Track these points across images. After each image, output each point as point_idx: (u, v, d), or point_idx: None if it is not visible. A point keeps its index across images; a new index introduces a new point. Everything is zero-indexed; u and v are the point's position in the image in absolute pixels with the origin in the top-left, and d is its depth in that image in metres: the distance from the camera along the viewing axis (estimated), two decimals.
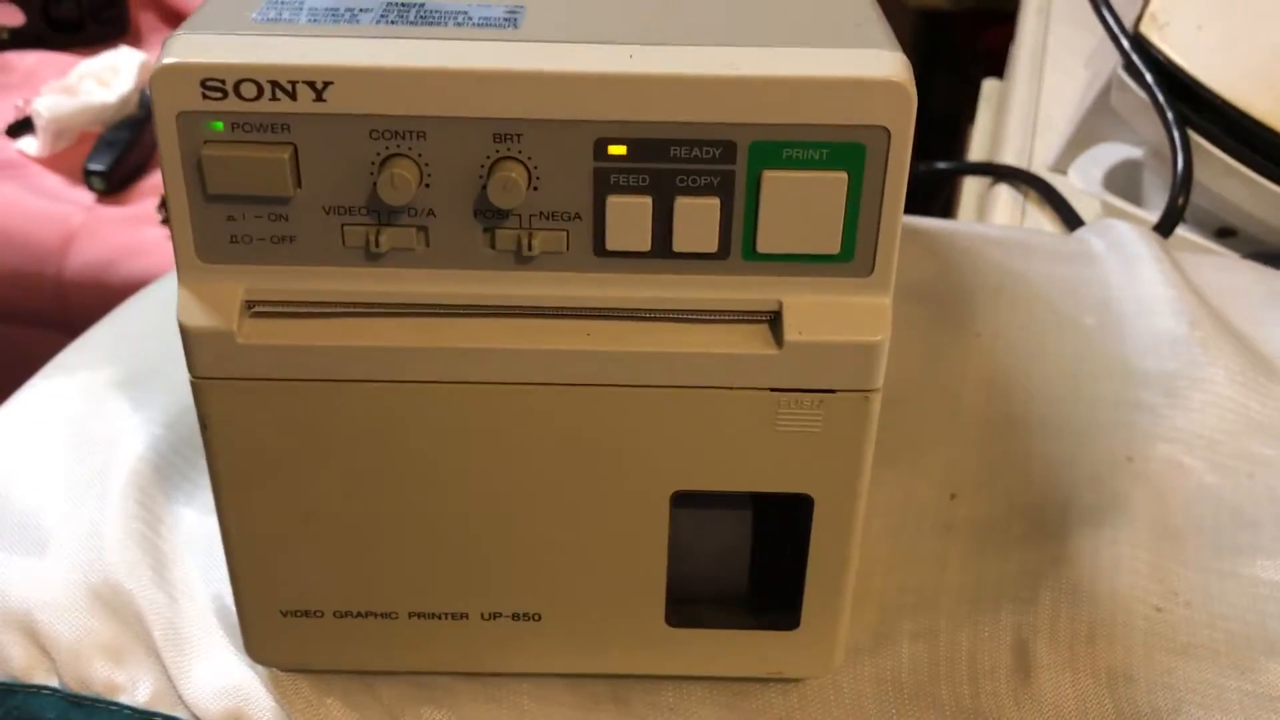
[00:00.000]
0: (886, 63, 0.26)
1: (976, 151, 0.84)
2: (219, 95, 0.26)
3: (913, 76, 0.26)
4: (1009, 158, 0.74)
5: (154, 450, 0.40)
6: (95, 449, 0.40)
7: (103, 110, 0.99)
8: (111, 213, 0.93)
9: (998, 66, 0.94)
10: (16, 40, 1.10)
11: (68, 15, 1.10)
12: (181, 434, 0.41)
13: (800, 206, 0.27)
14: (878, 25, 0.27)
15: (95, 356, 0.45)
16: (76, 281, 0.89)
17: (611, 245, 0.28)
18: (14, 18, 1.10)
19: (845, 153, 0.27)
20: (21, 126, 1.00)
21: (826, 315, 0.28)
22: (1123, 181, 0.67)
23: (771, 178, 0.27)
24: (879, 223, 0.27)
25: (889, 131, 0.26)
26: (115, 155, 0.95)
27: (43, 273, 0.89)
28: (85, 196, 0.95)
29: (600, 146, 0.27)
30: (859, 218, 0.27)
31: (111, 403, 0.42)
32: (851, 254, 0.28)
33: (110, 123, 0.99)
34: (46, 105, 0.97)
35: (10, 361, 0.61)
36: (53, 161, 0.98)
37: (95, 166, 0.94)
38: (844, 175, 0.27)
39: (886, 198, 0.27)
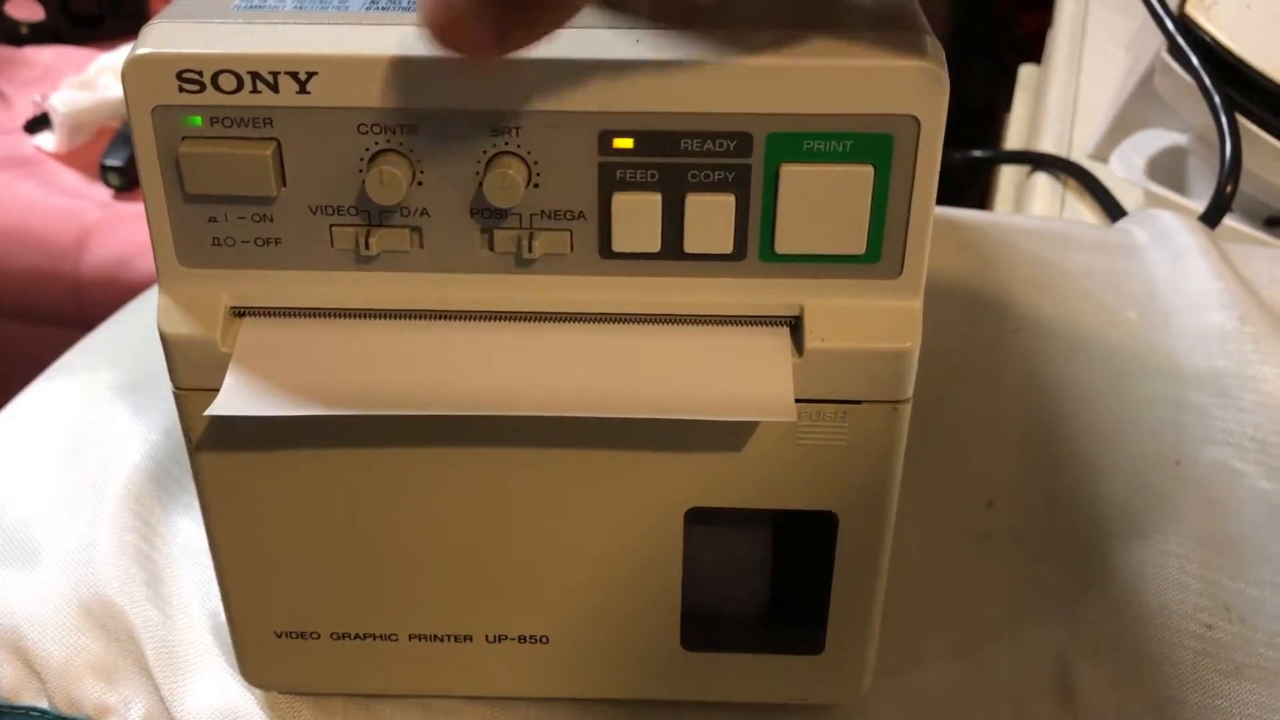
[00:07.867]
0: (916, 46, 0.24)
1: (1014, 139, 0.81)
2: (196, 88, 0.24)
3: (945, 61, 0.24)
4: (1047, 145, 0.72)
5: (151, 459, 0.38)
6: (91, 456, 0.39)
7: (120, 105, 0.98)
8: (128, 209, 0.93)
9: (1035, 52, 0.91)
10: (36, 35, 1.10)
11: (87, 10, 1.10)
12: (181, 441, 0.39)
13: (822, 203, 0.25)
14: (906, 5, 0.25)
15: (97, 359, 0.44)
16: (93, 279, 0.88)
17: (618, 246, 0.26)
18: (33, 12, 1.10)
19: (871, 144, 0.24)
20: (39, 122, 0.99)
21: (851, 321, 0.26)
22: (1166, 169, 0.65)
23: (791, 172, 0.25)
24: (908, 220, 0.25)
25: (919, 121, 0.24)
26: (132, 151, 0.94)
27: (59, 270, 0.89)
28: (102, 193, 0.94)
29: (605, 139, 0.25)
30: (886, 215, 0.25)
31: (110, 408, 0.41)
32: (878, 254, 0.26)
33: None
34: (63, 100, 0.96)
35: (26, 360, 0.60)
36: (70, 157, 0.97)
37: (112, 162, 0.94)
38: (870, 169, 0.25)
39: (916, 193, 0.25)
